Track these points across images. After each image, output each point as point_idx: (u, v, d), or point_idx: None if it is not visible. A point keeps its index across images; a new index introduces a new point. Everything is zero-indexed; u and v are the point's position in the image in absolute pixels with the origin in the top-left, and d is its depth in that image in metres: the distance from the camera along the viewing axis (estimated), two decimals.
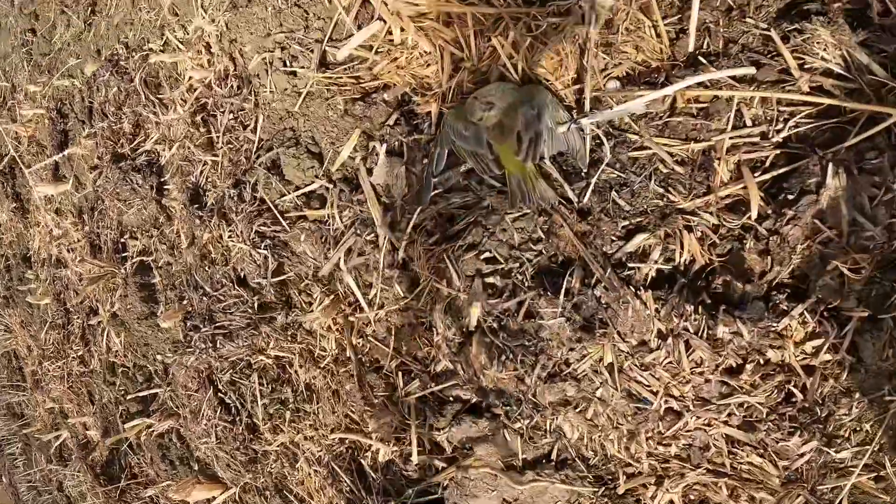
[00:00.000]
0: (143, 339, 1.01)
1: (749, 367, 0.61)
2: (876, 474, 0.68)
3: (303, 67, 0.71)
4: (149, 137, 0.93)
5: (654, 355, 0.62)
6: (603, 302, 0.62)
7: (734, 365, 0.62)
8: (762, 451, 0.65)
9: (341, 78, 0.70)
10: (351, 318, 0.72)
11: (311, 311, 0.75)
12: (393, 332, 0.70)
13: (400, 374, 0.72)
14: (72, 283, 1.07)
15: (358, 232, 0.67)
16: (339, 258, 0.70)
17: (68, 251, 1.09)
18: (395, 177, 0.64)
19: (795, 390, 0.64)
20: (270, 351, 0.82)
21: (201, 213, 0.83)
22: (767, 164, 0.63)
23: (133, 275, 0.99)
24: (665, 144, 0.63)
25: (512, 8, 0.60)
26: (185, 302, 0.86)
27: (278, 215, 0.74)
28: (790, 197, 0.63)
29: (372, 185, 0.67)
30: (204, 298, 0.84)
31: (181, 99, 0.85)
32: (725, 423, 0.63)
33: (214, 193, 0.82)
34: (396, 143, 0.65)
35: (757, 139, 0.62)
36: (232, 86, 0.79)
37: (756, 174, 0.62)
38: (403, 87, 0.64)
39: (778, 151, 0.63)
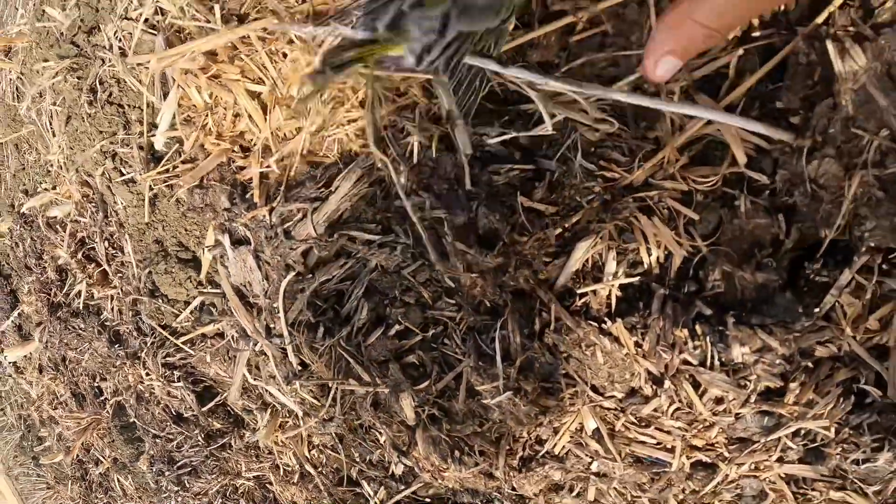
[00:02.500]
0: (147, 479, 0.92)
1: (794, 385, 0.38)
2: None
3: (136, 171, 0.55)
4: (76, 279, 0.82)
5: (652, 405, 0.40)
6: (561, 351, 0.41)
7: (773, 386, 0.39)
8: (841, 481, 0.41)
9: (177, 167, 0.53)
10: (293, 432, 0.56)
11: (258, 429, 0.60)
12: (339, 440, 0.53)
13: (364, 482, 0.55)
14: (72, 437, 1.01)
15: (244, 344, 0.50)
16: (243, 375, 0.54)
17: (54, 408, 1.02)
18: (248, 270, 0.46)
19: (869, 387, 0.40)
20: (246, 473, 0.68)
21: (120, 353, 0.71)
22: (732, 74, 0.38)
23: (112, 418, 0.90)
24: (574, 102, 0.41)
25: None
26: (147, 445, 0.75)
27: (175, 341, 0.59)
28: (794, 119, 0.38)
29: (233, 288, 0.49)
30: (156, 441, 0.71)
31: (59, 240, 0.72)
32: (781, 460, 0.40)
33: (125, 330, 0.69)
34: (241, 228, 0.47)
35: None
36: (92, 212, 0.64)
37: (721, 98, 0.38)
38: (218, 157, 0.46)
39: (741, 52, 0.38)
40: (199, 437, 0.64)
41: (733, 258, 0.37)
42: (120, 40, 0.57)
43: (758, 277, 0.36)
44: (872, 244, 0.38)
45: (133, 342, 0.66)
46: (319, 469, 0.58)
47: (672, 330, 0.37)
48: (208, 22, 0.45)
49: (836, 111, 0.36)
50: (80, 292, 0.83)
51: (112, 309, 0.73)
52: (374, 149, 0.37)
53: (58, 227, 0.73)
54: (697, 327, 0.37)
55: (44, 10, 0.69)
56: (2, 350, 1.07)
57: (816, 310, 0.39)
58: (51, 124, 0.72)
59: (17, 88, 0.83)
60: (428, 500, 0.52)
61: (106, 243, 0.65)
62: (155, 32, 0.54)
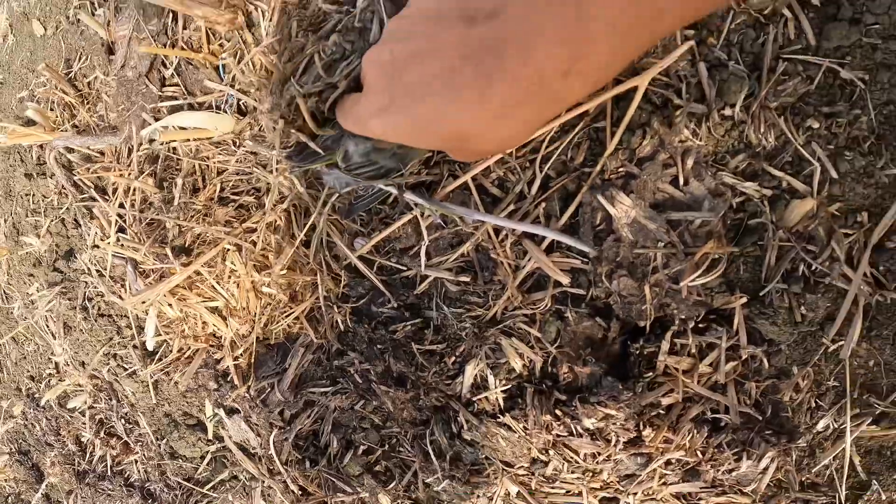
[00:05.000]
0: None
1: (647, 430, 0.68)
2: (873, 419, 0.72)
3: (135, 366, 0.91)
4: (95, 447, 1.20)
5: (551, 466, 0.71)
6: (476, 442, 0.73)
7: (632, 437, 0.69)
8: (721, 488, 0.71)
9: (169, 356, 0.88)
10: None
11: None
12: None
13: None
14: None
15: (255, 483, 0.85)
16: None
17: None
18: (243, 431, 0.81)
19: (720, 415, 0.70)
20: None
21: None
22: (543, 221, 0.70)
23: None
24: (439, 264, 0.73)
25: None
26: None
27: (201, 490, 0.95)
28: (592, 254, 0.68)
29: (236, 444, 0.84)
30: None
31: (81, 424, 1.10)
32: (665, 483, 0.71)
33: (155, 487, 1.05)
34: (231, 401, 0.82)
35: (514, 206, 0.69)
36: (106, 400, 1.01)
37: (541, 244, 0.69)
38: (200, 356, 0.81)
39: (544, 204, 0.69)
40: None
41: (572, 356, 0.68)
42: (95, 264, 0.93)
43: (586, 370, 0.67)
44: (683, 317, 0.68)
45: (165, 497, 1.02)
46: None
47: (541, 416, 0.68)
48: (165, 257, 0.80)
49: (620, 241, 0.66)
50: (102, 457, 1.21)
51: (138, 471, 1.09)
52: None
53: (77, 413, 1.11)
54: (558, 411, 0.68)
55: (18, 238, 1.06)
56: None
57: (650, 373, 0.70)
58: (48, 326, 1.09)
59: (4, 292, 1.21)
60: None
61: (123, 421, 1.01)
62: (124, 256, 0.89)
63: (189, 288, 0.78)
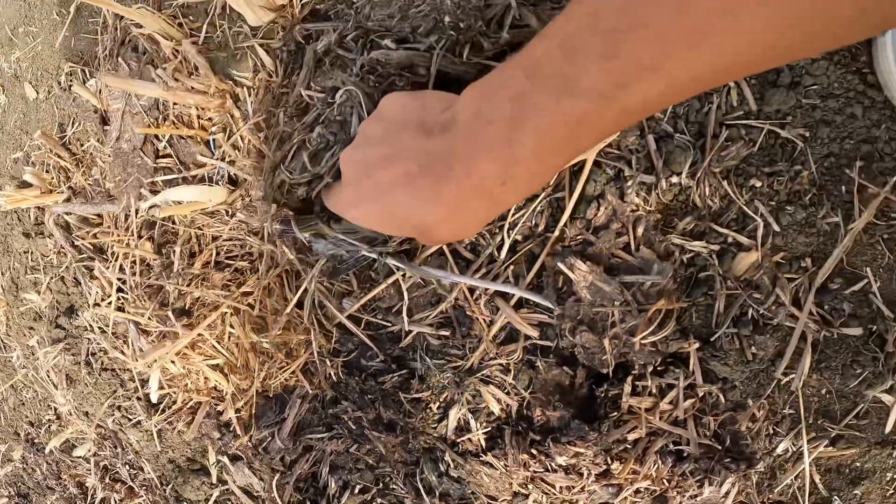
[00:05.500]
0: None
1: (615, 464, 0.80)
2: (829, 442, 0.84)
3: (140, 417, 1.02)
4: (96, 490, 1.31)
5: (532, 499, 0.83)
6: (462, 479, 0.85)
7: (602, 470, 0.81)
8: None
9: (172, 407, 0.99)
10: None
11: None
12: None
13: None
14: None
15: None
16: None
17: None
18: (247, 476, 0.92)
19: (682, 447, 0.82)
20: None
21: None
22: (511, 279, 0.81)
23: None
24: (420, 320, 0.84)
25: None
26: None
27: None
28: (558, 310, 0.80)
29: (240, 488, 0.96)
30: None
31: (84, 469, 1.21)
32: None
33: None
34: (234, 449, 0.93)
35: (485, 268, 0.81)
36: (112, 447, 1.12)
37: (510, 301, 0.81)
38: (204, 409, 0.93)
39: (513, 266, 0.81)
40: None
41: (544, 401, 0.80)
42: (97, 321, 1.04)
43: (556, 414, 0.79)
44: (641, 363, 0.80)
45: None
46: None
47: (518, 455, 0.80)
48: (167, 318, 0.91)
49: (581, 302, 0.78)
50: (104, 500, 1.33)
51: None
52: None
53: (81, 459, 1.22)
54: (533, 450, 0.80)
55: (17, 293, 1.16)
56: None
57: (616, 413, 0.81)
58: (49, 377, 1.20)
59: (2, 342, 1.32)
60: None
61: (127, 466, 1.12)
62: (126, 314, 1.00)
63: (192, 347, 0.90)
